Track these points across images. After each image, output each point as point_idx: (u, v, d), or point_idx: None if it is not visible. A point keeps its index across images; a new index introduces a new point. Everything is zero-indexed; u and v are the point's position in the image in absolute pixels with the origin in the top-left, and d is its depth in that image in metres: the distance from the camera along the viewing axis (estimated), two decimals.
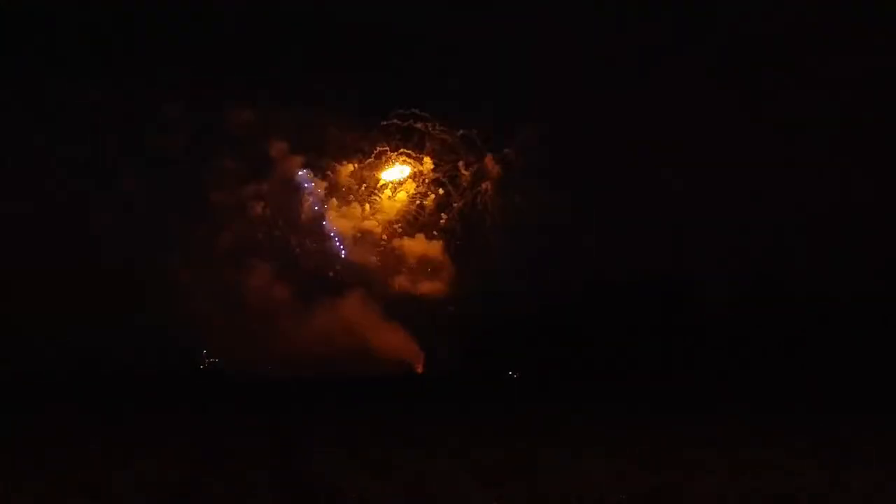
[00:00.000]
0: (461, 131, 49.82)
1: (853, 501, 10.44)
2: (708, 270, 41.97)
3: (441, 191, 51.35)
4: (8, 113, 44.39)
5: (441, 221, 51.08)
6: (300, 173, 50.91)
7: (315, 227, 51.28)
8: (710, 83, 41.36)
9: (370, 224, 51.44)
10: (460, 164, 50.60)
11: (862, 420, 20.10)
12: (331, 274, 50.88)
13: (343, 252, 51.15)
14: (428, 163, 50.94)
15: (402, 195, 51.27)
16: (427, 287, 50.78)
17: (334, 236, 51.22)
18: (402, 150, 51.04)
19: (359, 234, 51.51)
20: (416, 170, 51.33)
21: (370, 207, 51.54)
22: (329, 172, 51.59)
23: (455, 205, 51.01)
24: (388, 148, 51.02)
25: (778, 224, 41.22)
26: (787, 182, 40.60)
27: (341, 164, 51.61)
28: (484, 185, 50.16)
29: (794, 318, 39.15)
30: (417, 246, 51.25)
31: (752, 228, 41.73)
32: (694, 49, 40.96)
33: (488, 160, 49.88)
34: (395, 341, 49.24)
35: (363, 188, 51.70)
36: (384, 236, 51.47)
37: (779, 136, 41.16)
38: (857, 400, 26.65)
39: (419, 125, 50.29)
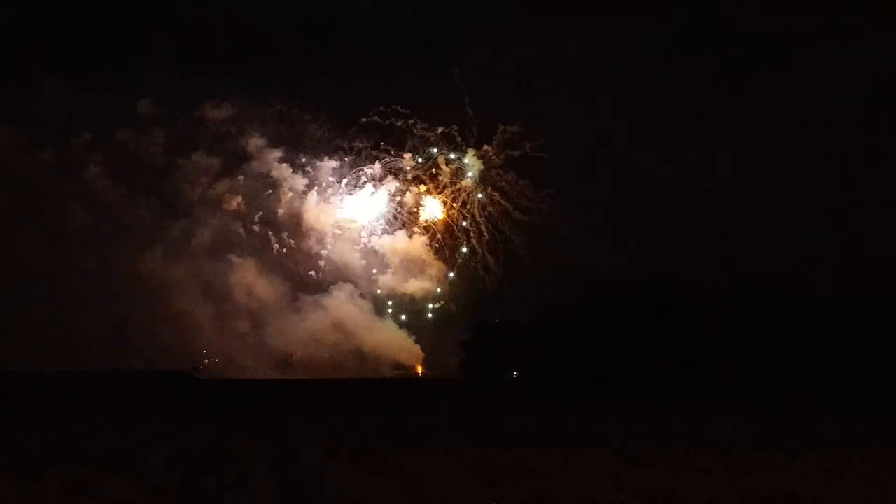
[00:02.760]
0: (441, 128, 49.81)
1: (851, 500, 10.46)
2: (706, 273, 42.00)
3: (422, 187, 51.28)
4: None
5: (422, 219, 50.95)
6: (278, 168, 50.56)
7: (294, 223, 51.03)
8: (708, 84, 41.38)
9: (351, 221, 51.18)
10: (441, 160, 50.55)
11: (860, 420, 20.14)
12: (312, 273, 50.64)
13: (324, 249, 50.92)
14: (408, 159, 50.87)
15: (382, 192, 51.10)
16: (414, 286, 50.63)
17: (314, 233, 50.93)
18: (382, 146, 50.95)
19: (339, 231, 51.25)
20: (396, 166, 51.24)
21: (351, 204, 51.31)
22: (308, 168, 51.39)
23: (436, 201, 50.90)
24: (368, 144, 50.93)
25: (775, 226, 41.27)
26: (784, 183, 40.62)
27: (321, 161, 51.46)
28: (464, 182, 50.10)
29: (794, 319, 39.17)
30: (399, 243, 51.11)
31: (750, 231, 41.77)
32: (691, 49, 40.95)
33: (469, 157, 49.86)
34: (392, 341, 49.16)
35: (343, 185, 51.50)
36: (364, 233, 51.25)
37: (777, 137, 41.16)
38: (854, 400, 26.69)
39: (400, 122, 50.27)
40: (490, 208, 49.30)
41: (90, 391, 34.51)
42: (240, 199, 49.92)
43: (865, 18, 36.76)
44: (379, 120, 50.19)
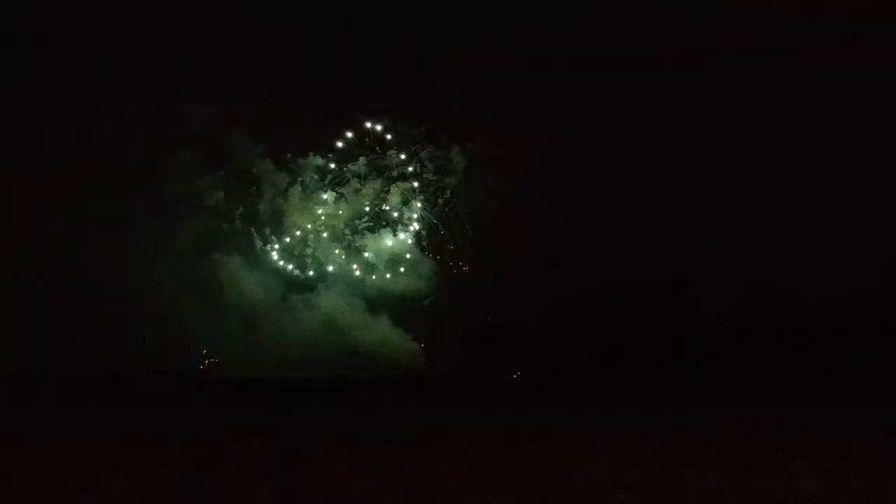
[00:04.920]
0: (425, 126, 49.57)
1: (851, 501, 10.47)
2: (706, 272, 41.96)
3: (406, 185, 50.97)
4: None
5: (406, 216, 50.70)
6: (260, 164, 50.06)
7: (276, 220, 50.57)
8: (705, 79, 41.20)
9: (335, 219, 50.78)
10: (425, 157, 50.27)
11: (861, 420, 20.14)
12: (297, 272, 50.23)
13: (309, 247, 50.53)
14: (393, 156, 50.57)
15: (366, 189, 50.73)
16: (402, 284, 50.23)
17: (297, 231, 50.50)
18: (366, 143, 50.65)
19: (323, 229, 50.85)
20: (380, 163, 50.92)
21: (335, 202, 50.90)
22: (291, 165, 51.01)
23: (421, 199, 50.66)
24: (352, 141, 50.61)
25: (773, 225, 41.21)
26: (783, 182, 40.60)
27: (304, 157, 51.05)
28: (449, 180, 49.87)
29: (794, 319, 39.18)
30: (385, 241, 50.75)
31: (748, 228, 41.71)
32: (686, 44, 40.75)
33: (454, 154, 49.62)
34: (389, 340, 48.96)
35: (326, 182, 51.11)
36: (348, 231, 50.84)
37: (777, 135, 41.13)
38: (856, 400, 26.70)
39: (384, 119, 50.02)
40: (475, 206, 49.07)
41: (89, 391, 34.51)
42: (220, 194, 49.36)
43: (867, 18, 36.68)
44: (363, 117, 49.95)
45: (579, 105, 41.83)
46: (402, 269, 50.53)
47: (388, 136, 50.34)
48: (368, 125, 49.99)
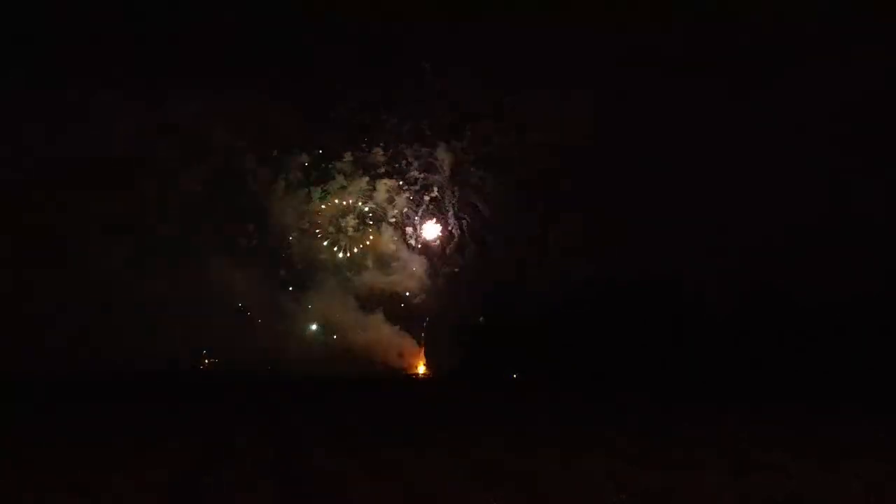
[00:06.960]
0: (412, 123, 49.34)
1: (852, 502, 10.46)
2: (706, 271, 41.95)
3: (392, 182, 50.66)
4: None
5: (392, 214, 50.44)
6: (243, 160, 49.52)
7: (260, 218, 50.10)
8: (706, 78, 41.11)
9: (321, 216, 50.43)
10: (410, 155, 50.05)
11: (861, 420, 20.15)
12: (283, 271, 49.81)
13: (295, 246, 50.17)
14: (378, 154, 50.27)
15: (352, 187, 50.40)
16: (393, 282, 49.92)
17: (283, 229, 50.10)
18: (352, 140, 50.35)
19: (308, 226, 50.50)
20: (365, 161, 50.61)
21: (319, 200, 50.46)
22: (276, 162, 50.55)
23: (406, 196, 50.38)
24: (338, 138, 50.26)
25: (775, 225, 41.20)
26: (782, 182, 40.59)
27: (289, 154, 50.62)
28: (434, 178, 49.68)
29: (794, 319, 39.18)
30: (372, 239, 50.42)
31: (750, 228, 41.70)
32: (686, 43, 40.63)
33: (439, 152, 49.40)
34: (385, 339, 48.78)
35: (313, 179, 50.74)
36: (332, 229, 50.44)
37: (774, 133, 41.11)
38: (856, 400, 26.70)
39: (370, 117, 49.77)
40: (461, 204, 48.92)
41: (89, 391, 34.50)
42: (204, 191, 48.87)
43: (865, 26, 36.70)
44: (348, 114, 49.72)
45: (577, 104, 41.75)
46: (391, 267, 50.27)
47: (374, 133, 50.11)
48: (354, 122, 49.80)
